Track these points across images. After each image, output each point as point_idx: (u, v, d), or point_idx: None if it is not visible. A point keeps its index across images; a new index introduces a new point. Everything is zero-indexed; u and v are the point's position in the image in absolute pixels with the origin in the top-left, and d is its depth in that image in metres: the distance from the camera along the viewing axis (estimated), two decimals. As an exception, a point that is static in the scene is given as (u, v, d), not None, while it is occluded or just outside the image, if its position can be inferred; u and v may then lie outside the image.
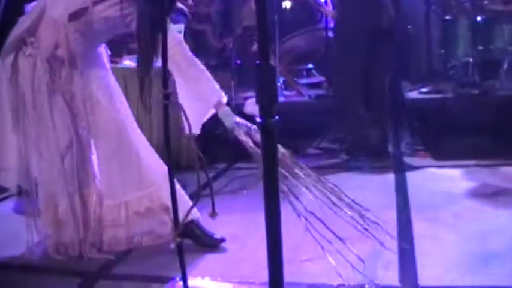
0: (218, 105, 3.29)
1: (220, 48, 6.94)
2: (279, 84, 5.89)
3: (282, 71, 6.08)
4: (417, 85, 6.42)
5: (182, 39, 3.39)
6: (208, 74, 3.32)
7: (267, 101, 1.74)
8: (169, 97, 2.15)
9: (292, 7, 6.56)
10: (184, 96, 3.10)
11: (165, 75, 2.23)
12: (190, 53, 3.32)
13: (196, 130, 3.16)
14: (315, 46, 6.55)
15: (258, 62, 1.73)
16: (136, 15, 3.04)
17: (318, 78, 6.47)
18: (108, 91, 3.38)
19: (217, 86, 3.32)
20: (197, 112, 3.17)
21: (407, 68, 6.63)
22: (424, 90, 6.24)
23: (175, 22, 5.94)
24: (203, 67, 3.34)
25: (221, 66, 6.94)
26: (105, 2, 3.16)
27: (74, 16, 3.18)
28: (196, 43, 6.87)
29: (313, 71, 6.66)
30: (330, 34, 6.35)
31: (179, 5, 6.66)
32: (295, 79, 6.37)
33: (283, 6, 6.47)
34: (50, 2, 3.22)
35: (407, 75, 6.60)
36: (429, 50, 6.73)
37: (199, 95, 3.23)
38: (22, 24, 3.25)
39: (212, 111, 3.29)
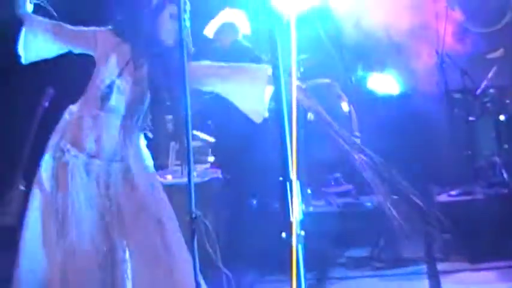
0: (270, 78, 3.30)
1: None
2: (306, 194, 5.91)
3: (310, 181, 6.12)
4: (446, 188, 6.39)
5: None
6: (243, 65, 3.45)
7: (290, 216, 1.78)
8: (197, 218, 2.19)
9: (316, 117, 6.64)
10: (237, 94, 3.33)
11: (191, 195, 2.29)
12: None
13: (264, 113, 3.29)
14: (342, 155, 6.60)
15: (280, 178, 1.78)
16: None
17: (346, 186, 6.48)
18: (151, 194, 3.40)
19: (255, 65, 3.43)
20: (257, 97, 3.30)
21: (435, 172, 6.63)
22: (453, 193, 6.20)
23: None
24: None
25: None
26: (124, 72, 3.29)
27: (103, 95, 3.30)
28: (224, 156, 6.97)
29: (341, 180, 6.68)
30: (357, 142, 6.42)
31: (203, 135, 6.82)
32: (323, 188, 6.39)
33: (308, 117, 6.59)
34: (81, 101, 3.36)
35: (436, 179, 6.59)
36: (455, 152, 6.75)
37: (249, 81, 3.32)
38: (56, 134, 3.36)
39: (270, 88, 3.30)
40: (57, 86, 5.29)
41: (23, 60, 3.50)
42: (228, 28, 5.67)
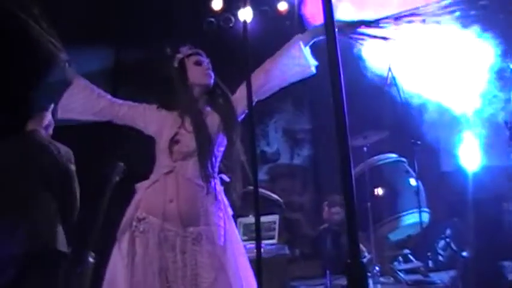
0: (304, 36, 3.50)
1: (315, 237, 7.01)
2: (374, 271, 5.82)
3: (378, 258, 6.03)
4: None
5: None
6: None
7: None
8: None
9: (384, 193, 6.60)
10: (284, 73, 3.48)
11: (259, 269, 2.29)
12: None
13: (313, 63, 3.47)
14: (410, 232, 6.52)
15: (348, 261, 1.77)
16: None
17: (415, 263, 6.36)
18: (230, 258, 3.31)
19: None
20: (299, 58, 3.47)
21: (507, 249, 6.44)
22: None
23: (270, 213, 6.11)
24: None
25: (316, 255, 6.98)
26: (183, 125, 3.38)
27: (171, 147, 3.34)
28: (291, 232, 6.97)
29: (410, 256, 6.57)
30: (425, 218, 6.33)
31: (274, 195, 6.88)
32: (391, 265, 6.29)
33: (376, 193, 6.55)
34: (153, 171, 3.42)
35: (509, 255, 6.40)
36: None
37: (286, 52, 3.48)
38: (132, 205, 3.40)
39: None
40: (127, 161, 5.40)
41: (58, 116, 3.62)
42: None
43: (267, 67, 3.47)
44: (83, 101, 3.55)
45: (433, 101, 6.90)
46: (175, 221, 3.29)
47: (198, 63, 3.51)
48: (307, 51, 3.51)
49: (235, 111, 3.47)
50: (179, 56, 3.54)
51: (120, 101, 3.57)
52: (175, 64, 3.53)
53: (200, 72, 3.49)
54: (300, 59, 3.50)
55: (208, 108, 3.50)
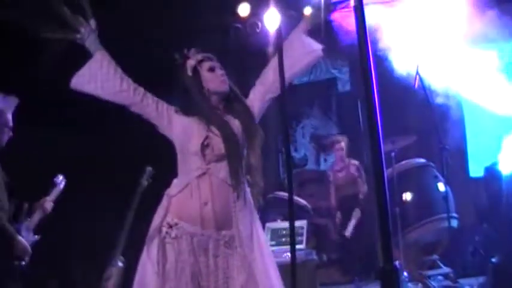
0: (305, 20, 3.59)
1: (342, 242, 6.99)
2: (403, 277, 5.77)
3: (406, 264, 5.99)
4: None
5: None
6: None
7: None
8: None
9: (413, 198, 6.55)
10: (292, 65, 3.41)
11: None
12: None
13: (319, 47, 3.52)
14: (439, 237, 6.46)
15: (381, 265, 1.76)
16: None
17: (444, 269, 6.30)
18: (260, 263, 3.29)
19: None
20: (303, 46, 3.52)
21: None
22: None
23: (297, 218, 6.09)
24: None
25: (344, 260, 6.95)
26: (211, 131, 3.35)
27: (203, 150, 3.30)
28: (318, 237, 6.95)
29: (439, 262, 6.50)
30: (454, 223, 6.27)
31: (301, 201, 6.86)
32: (420, 271, 6.23)
33: (404, 198, 6.51)
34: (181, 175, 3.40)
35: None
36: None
37: (289, 46, 3.46)
38: (161, 210, 3.35)
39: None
40: (156, 165, 5.41)
41: (71, 85, 3.39)
42: None
43: (275, 64, 3.39)
44: (104, 77, 3.38)
45: (461, 104, 6.89)
46: (210, 224, 3.28)
47: (212, 70, 3.43)
48: (308, 38, 3.53)
49: (254, 116, 3.46)
50: (191, 62, 3.44)
51: (143, 90, 3.44)
52: (189, 72, 3.43)
53: (215, 80, 3.42)
54: (305, 48, 3.52)
55: (228, 115, 3.45)
